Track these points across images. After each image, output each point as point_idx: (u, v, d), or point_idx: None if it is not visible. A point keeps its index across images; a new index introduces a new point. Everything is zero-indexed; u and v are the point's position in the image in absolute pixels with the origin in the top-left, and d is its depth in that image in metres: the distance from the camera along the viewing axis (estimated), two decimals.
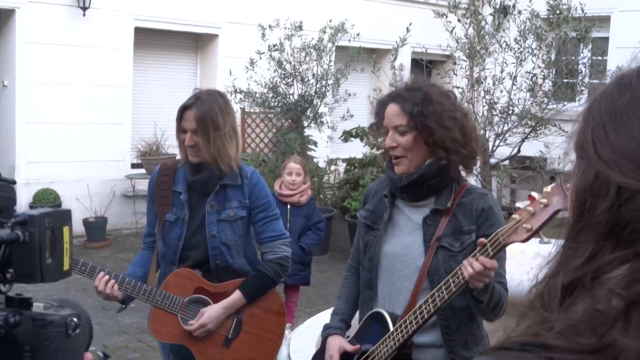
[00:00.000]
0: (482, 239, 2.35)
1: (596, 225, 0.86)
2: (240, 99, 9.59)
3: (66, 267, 1.33)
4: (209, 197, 3.37)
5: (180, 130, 3.35)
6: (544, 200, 2.14)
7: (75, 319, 1.32)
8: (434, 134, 2.55)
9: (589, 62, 8.65)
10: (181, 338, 3.36)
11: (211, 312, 3.33)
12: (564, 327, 0.83)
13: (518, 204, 2.29)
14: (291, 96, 9.62)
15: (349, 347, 2.75)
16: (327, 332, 2.87)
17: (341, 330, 2.85)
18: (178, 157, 3.56)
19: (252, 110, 10.80)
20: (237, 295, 3.35)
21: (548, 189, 2.18)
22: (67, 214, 1.35)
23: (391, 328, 2.59)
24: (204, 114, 3.26)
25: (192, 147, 3.30)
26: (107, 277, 3.27)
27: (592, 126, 0.90)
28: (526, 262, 4.54)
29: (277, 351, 3.55)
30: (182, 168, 3.45)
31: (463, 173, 2.72)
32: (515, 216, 2.21)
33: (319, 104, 9.70)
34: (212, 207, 3.37)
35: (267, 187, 3.54)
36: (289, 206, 6.26)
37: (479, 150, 2.71)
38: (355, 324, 2.91)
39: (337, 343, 2.79)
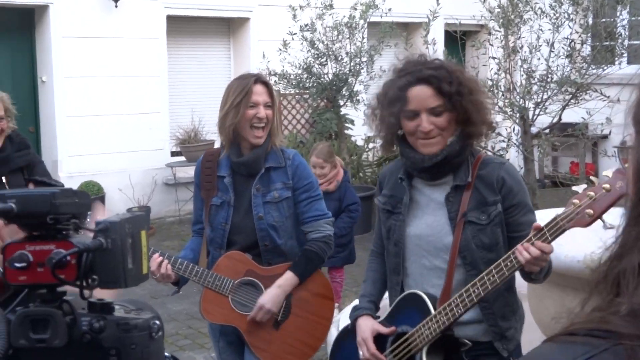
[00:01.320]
0: (536, 224, 2.32)
1: None
2: (275, 81, 9.57)
3: (145, 270, 1.37)
4: (254, 180, 3.42)
5: (248, 105, 3.34)
6: (607, 186, 2.11)
7: (157, 322, 1.35)
8: (470, 113, 2.55)
9: (628, 23, 8.41)
10: (232, 319, 3.43)
11: (268, 294, 3.38)
12: (633, 310, 0.79)
13: (575, 187, 2.25)
14: (325, 76, 9.56)
15: (383, 329, 2.72)
16: (356, 313, 2.84)
17: (371, 311, 2.83)
18: (217, 143, 3.64)
19: (287, 92, 10.79)
20: (289, 274, 3.40)
21: (609, 172, 2.15)
22: (144, 219, 1.38)
23: (432, 310, 2.55)
24: (272, 87, 3.41)
25: (261, 120, 3.34)
26: (160, 258, 3.34)
27: None
28: (575, 232, 4.48)
29: (326, 334, 3.60)
30: (225, 154, 3.49)
31: (503, 144, 2.72)
32: (575, 201, 2.18)
33: (353, 82, 9.62)
34: (257, 190, 3.42)
35: (309, 168, 3.61)
36: None
37: (492, 124, 2.72)
38: (383, 308, 2.88)
39: (369, 325, 2.75)
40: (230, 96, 3.36)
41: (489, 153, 8.04)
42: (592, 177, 2.17)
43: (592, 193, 2.14)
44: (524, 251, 2.28)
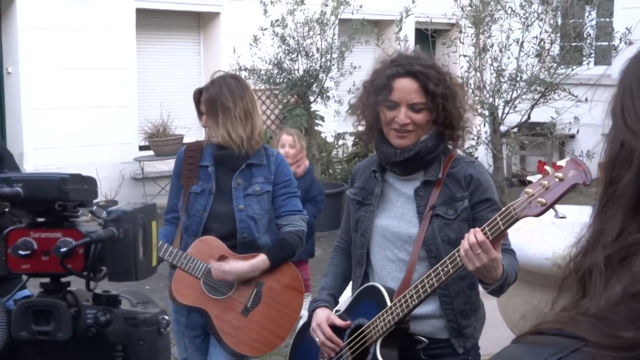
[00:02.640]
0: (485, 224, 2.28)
1: (622, 198, 0.80)
2: (245, 76, 9.48)
3: (154, 263, 1.31)
4: (234, 173, 3.46)
5: (199, 112, 3.53)
6: (560, 174, 2.07)
7: (165, 317, 1.28)
8: (452, 118, 2.58)
9: (596, 24, 8.50)
10: (202, 302, 3.43)
11: (236, 264, 3.38)
12: (600, 314, 0.77)
13: (530, 178, 2.22)
14: (296, 72, 9.51)
15: (338, 322, 2.70)
16: (314, 304, 2.82)
17: (329, 304, 2.82)
18: (186, 138, 3.65)
19: (257, 88, 10.71)
20: (262, 257, 3.41)
21: (563, 162, 2.11)
22: (154, 209, 1.32)
23: (389, 302, 2.54)
24: (213, 97, 3.42)
25: (207, 127, 3.49)
26: None
27: (623, 91, 0.85)
28: (542, 230, 4.50)
29: (293, 325, 3.60)
30: (208, 145, 3.55)
31: (472, 142, 2.72)
32: (529, 190, 2.14)
33: (324, 78, 9.59)
34: (238, 184, 3.46)
35: (290, 167, 3.68)
36: None
37: (468, 124, 2.71)
38: (344, 303, 2.86)
39: (324, 314, 2.74)
40: None
41: (458, 151, 8.08)
42: (546, 167, 2.14)
43: (545, 182, 2.11)
44: (465, 241, 2.25)
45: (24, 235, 1.26)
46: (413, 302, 2.45)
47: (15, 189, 1.22)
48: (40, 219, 1.28)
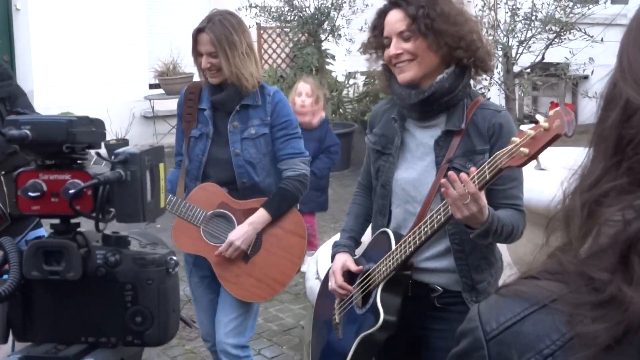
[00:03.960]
0: (473, 168, 2.24)
1: (606, 140, 0.80)
2: (256, 13, 9.39)
3: (162, 204, 1.33)
4: (230, 116, 3.39)
5: (197, 54, 3.37)
6: (546, 124, 2.00)
7: (174, 257, 1.31)
8: (444, 35, 2.40)
9: None
10: (201, 249, 3.42)
11: (239, 231, 3.36)
12: (576, 266, 0.78)
13: (522, 127, 2.17)
14: (307, 9, 9.40)
15: (353, 267, 2.70)
16: (335, 249, 2.82)
17: (349, 248, 2.80)
18: (195, 77, 3.56)
19: (268, 25, 10.59)
20: (261, 212, 3.37)
21: (552, 112, 2.04)
22: (162, 150, 1.34)
23: (393, 247, 2.53)
24: (219, 35, 3.28)
25: (209, 69, 3.33)
26: None
27: (626, 32, 0.84)
28: (551, 173, 4.50)
29: (294, 272, 3.57)
30: (205, 88, 3.47)
31: (485, 83, 2.59)
32: (515, 139, 2.08)
33: (335, 16, 9.48)
34: (234, 127, 3.39)
35: (289, 106, 3.55)
36: (300, 129, 5.97)
37: (488, 56, 2.52)
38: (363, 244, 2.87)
39: (342, 260, 2.75)
40: None
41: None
42: (537, 116, 2.06)
43: (531, 132, 2.04)
44: (449, 186, 2.20)
45: (33, 177, 1.27)
46: (410, 249, 2.43)
47: (23, 132, 1.23)
48: (49, 161, 1.29)
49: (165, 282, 1.29)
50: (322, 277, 3.29)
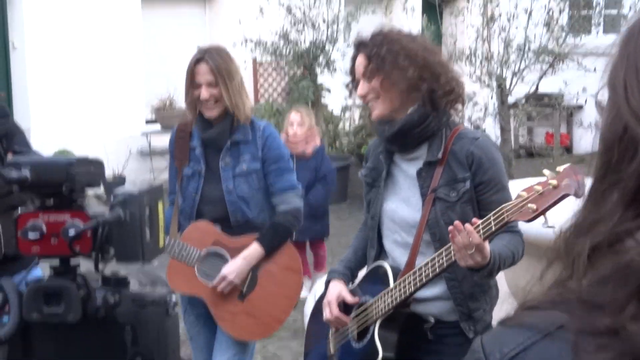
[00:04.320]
0: (475, 219, 2.25)
1: (623, 189, 0.76)
2: (251, 48, 9.45)
3: (161, 244, 1.33)
4: (221, 153, 3.37)
5: (193, 86, 3.32)
6: (554, 182, 2.03)
7: (174, 297, 1.30)
8: (389, 76, 2.49)
9: None
10: (197, 289, 3.38)
11: (232, 265, 3.33)
12: (582, 297, 0.76)
13: (545, 171, 2.18)
14: (302, 43, 9.47)
15: (349, 298, 2.69)
16: (330, 276, 2.82)
17: (344, 277, 2.79)
18: None
19: (263, 60, 10.66)
20: (255, 246, 3.34)
21: (560, 168, 2.06)
22: (160, 190, 1.34)
23: (391, 284, 2.52)
24: (219, 64, 3.27)
25: (207, 100, 3.29)
26: None
27: (627, 66, 0.79)
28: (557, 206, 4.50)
29: (291, 308, 3.54)
30: (196, 125, 3.43)
31: (480, 114, 2.65)
32: (523, 193, 2.10)
33: (331, 49, 9.55)
34: (226, 164, 3.37)
35: (280, 139, 3.54)
36: (294, 159, 5.70)
37: (456, 86, 2.58)
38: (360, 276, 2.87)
39: (337, 289, 2.73)
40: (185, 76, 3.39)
41: (466, 123, 8.09)
42: (545, 171, 2.09)
43: (539, 188, 2.06)
44: (456, 234, 2.21)
45: (33, 218, 1.27)
46: (410, 289, 2.44)
47: (23, 173, 1.23)
48: (49, 201, 1.29)
49: (165, 322, 1.28)
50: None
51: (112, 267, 1.33)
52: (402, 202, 2.62)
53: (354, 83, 2.66)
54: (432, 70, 2.52)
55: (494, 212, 2.20)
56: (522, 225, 4.25)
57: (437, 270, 2.36)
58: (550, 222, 3.72)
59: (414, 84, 2.49)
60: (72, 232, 1.22)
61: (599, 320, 0.74)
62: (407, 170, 2.63)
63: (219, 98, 3.28)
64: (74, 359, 1.30)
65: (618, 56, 0.81)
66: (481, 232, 2.20)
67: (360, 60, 2.57)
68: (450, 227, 2.25)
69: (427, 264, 2.39)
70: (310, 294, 4.41)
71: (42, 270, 2.92)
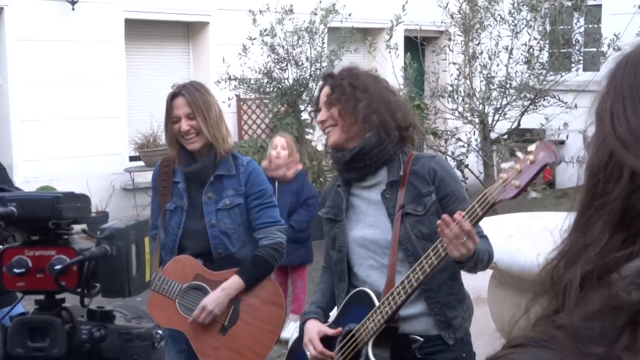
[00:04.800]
0: (458, 211, 2.34)
1: (609, 213, 0.77)
2: (235, 85, 9.51)
3: (147, 278, 1.34)
4: (204, 187, 3.40)
5: (171, 121, 3.38)
6: (531, 157, 2.14)
7: (160, 331, 1.31)
8: (347, 106, 2.67)
9: (585, 30, 8.58)
10: (178, 324, 3.38)
11: (212, 296, 3.34)
12: (574, 330, 0.76)
13: (503, 165, 2.29)
14: (286, 80, 9.54)
15: (330, 331, 2.74)
16: (304, 317, 2.85)
17: (319, 315, 2.84)
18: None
19: (247, 97, 10.72)
20: (235, 278, 3.36)
21: (532, 147, 2.18)
22: (146, 224, 1.35)
23: (377, 303, 2.58)
24: (195, 97, 3.34)
25: (188, 132, 3.34)
26: None
27: (613, 97, 0.81)
28: (534, 237, 4.53)
29: (273, 342, 3.55)
30: (179, 160, 3.47)
31: (463, 150, 2.73)
32: (503, 175, 2.21)
33: (314, 87, 9.61)
34: (209, 198, 3.40)
35: (263, 175, 3.59)
36: (276, 183, 5.87)
37: (412, 126, 2.76)
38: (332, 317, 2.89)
39: (316, 327, 2.77)
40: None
41: (449, 158, 8.17)
42: (517, 152, 2.21)
43: (517, 166, 2.17)
44: (445, 227, 2.30)
45: (19, 253, 1.28)
46: (401, 298, 2.49)
47: (9, 209, 1.24)
48: (35, 237, 1.30)
49: (151, 357, 1.29)
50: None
51: (95, 302, 1.33)
52: (370, 227, 2.70)
53: (316, 112, 2.81)
54: (388, 106, 2.70)
55: (477, 198, 2.30)
56: (506, 260, 4.26)
57: (428, 270, 2.42)
58: (533, 194, 3.93)
59: (367, 116, 2.65)
60: (58, 267, 1.23)
61: (591, 349, 0.73)
62: (369, 197, 2.73)
63: (199, 130, 3.33)
64: None
65: (605, 90, 0.84)
66: (467, 220, 2.30)
67: (325, 91, 2.76)
68: (439, 221, 2.35)
69: (414, 270, 2.46)
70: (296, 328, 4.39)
71: (23, 308, 2.91)
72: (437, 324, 2.63)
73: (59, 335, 1.25)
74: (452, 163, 7.75)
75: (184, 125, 3.33)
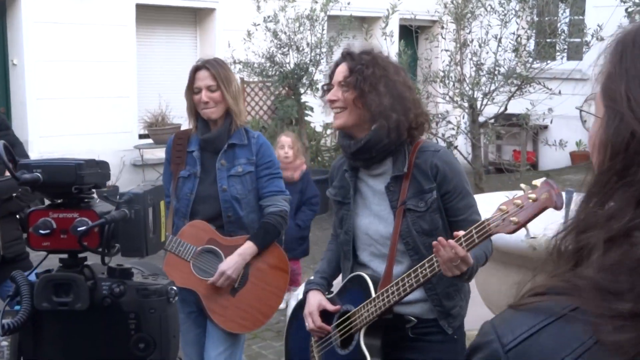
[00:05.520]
0: (458, 232, 2.27)
1: (633, 188, 0.78)
2: (240, 69, 9.49)
3: (163, 238, 1.36)
4: (218, 155, 3.46)
5: (193, 91, 3.42)
6: (533, 196, 2.07)
7: (174, 287, 1.34)
8: (365, 95, 2.50)
9: (570, 21, 8.57)
10: (192, 283, 3.44)
11: (230, 262, 3.40)
12: (599, 283, 0.77)
13: (506, 194, 2.21)
14: (287, 65, 9.52)
15: (330, 307, 2.71)
16: (308, 287, 2.83)
17: (322, 287, 2.81)
18: (183, 127, 3.59)
19: (251, 80, 10.71)
20: (249, 244, 3.44)
21: (537, 182, 2.10)
22: (162, 190, 1.38)
23: (373, 293, 2.54)
24: (218, 70, 3.40)
25: (207, 103, 3.38)
26: None
27: (627, 79, 0.81)
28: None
29: (278, 304, 3.66)
30: (195, 133, 3.54)
31: (452, 132, 2.64)
32: (503, 207, 2.13)
33: (314, 71, 9.61)
34: (222, 165, 3.45)
35: (272, 148, 3.64)
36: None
37: (423, 121, 2.61)
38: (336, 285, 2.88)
39: (317, 299, 2.74)
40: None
41: (440, 140, 8.19)
42: (522, 185, 2.13)
43: (519, 201, 2.10)
44: (440, 248, 2.23)
45: (44, 215, 1.31)
46: (394, 299, 2.46)
47: (35, 175, 1.27)
48: (58, 201, 1.33)
49: (167, 311, 1.32)
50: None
51: (114, 260, 1.37)
52: (374, 216, 2.63)
53: (329, 86, 2.64)
54: (403, 104, 2.53)
55: (475, 225, 2.22)
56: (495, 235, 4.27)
57: (421, 280, 2.38)
58: (531, 233, 3.75)
59: (384, 112, 2.50)
60: (81, 229, 1.26)
61: (619, 305, 0.74)
62: (374, 186, 2.64)
63: (218, 102, 3.38)
64: (81, 344, 1.33)
65: (613, 67, 0.82)
66: (464, 245, 2.22)
67: (342, 69, 2.57)
68: (435, 243, 2.26)
69: (409, 274, 2.41)
70: (293, 298, 4.45)
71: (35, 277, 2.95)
72: (436, 313, 2.58)
73: (81, 290, 1.29)
74: (442, 144, 7.77)
75: (204, 96, 3.37)
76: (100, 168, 1.34)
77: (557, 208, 2.05)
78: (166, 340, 1.31)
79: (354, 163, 2.65)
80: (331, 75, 2.65)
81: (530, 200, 2.07)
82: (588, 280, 0.78)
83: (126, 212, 1.26)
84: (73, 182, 1.29)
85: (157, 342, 1.30)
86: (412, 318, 2.58)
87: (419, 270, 2.38)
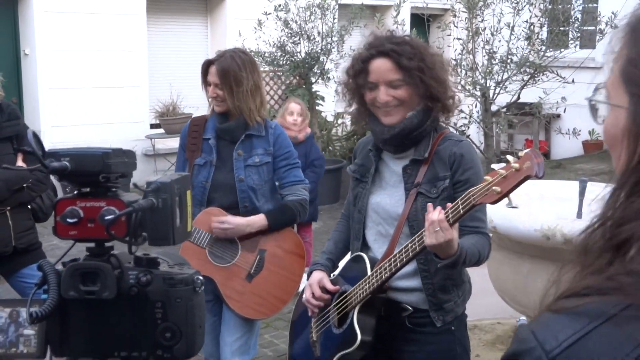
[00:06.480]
0: (448, 203, 2.28)
1: None
2: None
3: (189, 228, 1.36)
4: (235, 145, 3.46)
5: (206, 83, 3.47)
6: (516, 165, 2.05)
7: (200, 277, 1.34)
8: (432, 89, 2.51)
9: (583, 9, 8.52)
10: (207, 270, 3.44)
11: (235, 219, 3.41)
12: (635, 278, 0.73)
13: (493, 166, 2.20)
14: (298, 54, 9.51)
15: (329, 286, 2.73)
16: (312, 267, 2.86)
17: (326, 267, 2.83)
18: (194, 116, 3.60)
19: (261, 69, 10.68)
20: (260, 216, 3.44)
21: (522, 153, 2.08)
22: (188, 179, 1.38)
23: (369, 272, 2.56)
24: (226, 69, 3.37)
25: (214, 98, 3.43)
26: None
27: None
28: (531, 204, 4.55)
29: (295, 290, 3.63)
30: (211, 118, 3.55)
31: (465, 121, 2.64)
32: (488, 177, 2.13)
33: (325, 60, 9.59)
34: (239, 155, 3.46)
35: (289, 139, 3.64)
36: None
37: (454, 102, 2.63)
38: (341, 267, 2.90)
39: (319, 276, 2.78)
40: None
41: (451, 129, 8.15)
42: (508, 157, 2.10)
43: (502, 171, 2.08)
44: (428, 214, 2.26)
45: (71, 204, 1.31)
46: (385, 274, 2.47)
47: (63, 163, 1.27)
48: (86, 190, 1.33)
49: (193, 300, 1.32)
50: None
51: (140, 249, 1.37)
52: (387, 195, 2.66)
53: (371, 84, 2.57)
54: (444, 87, 2.56)
55: (461, 197, 2.22)
56: (505, 225, 4.25)
57: (411, 255, 2.38)
58: (513, 202, 3.65)
59: (430, 99, 2.53)
60: (109, 218, 1.26)
61: None
62: (394, 167, 2.66)
63: (224, 99, 3.40)
64: (108, 333, 1.34)
65: (635, 53, 0.79)
66: (450, 215, 2.23)
67: (389, 67, 2.52)
68: (429, 204, 2.31)
69: (400, 251, 2.43)
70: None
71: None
72: (428, 303, 2.59)
73: (109, 279, 1.29)
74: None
75: (211, 91, 3.44)
76: (127, 157, 1.34)
77: (538, 177, 2.04)
78: (192, 330, 1.31)
79: (384, 147, 2.66)
80: (361, 72, 2.59)
81: (513, 170, 2.06)
82: (633, 278, 0.74)
83: (153, 200, 1.26)
84: (100, 170, 1.29)
85: (184, 331, 1.31)
86: (408, 307, 2.60)
87: (409, 245, 2.39)
